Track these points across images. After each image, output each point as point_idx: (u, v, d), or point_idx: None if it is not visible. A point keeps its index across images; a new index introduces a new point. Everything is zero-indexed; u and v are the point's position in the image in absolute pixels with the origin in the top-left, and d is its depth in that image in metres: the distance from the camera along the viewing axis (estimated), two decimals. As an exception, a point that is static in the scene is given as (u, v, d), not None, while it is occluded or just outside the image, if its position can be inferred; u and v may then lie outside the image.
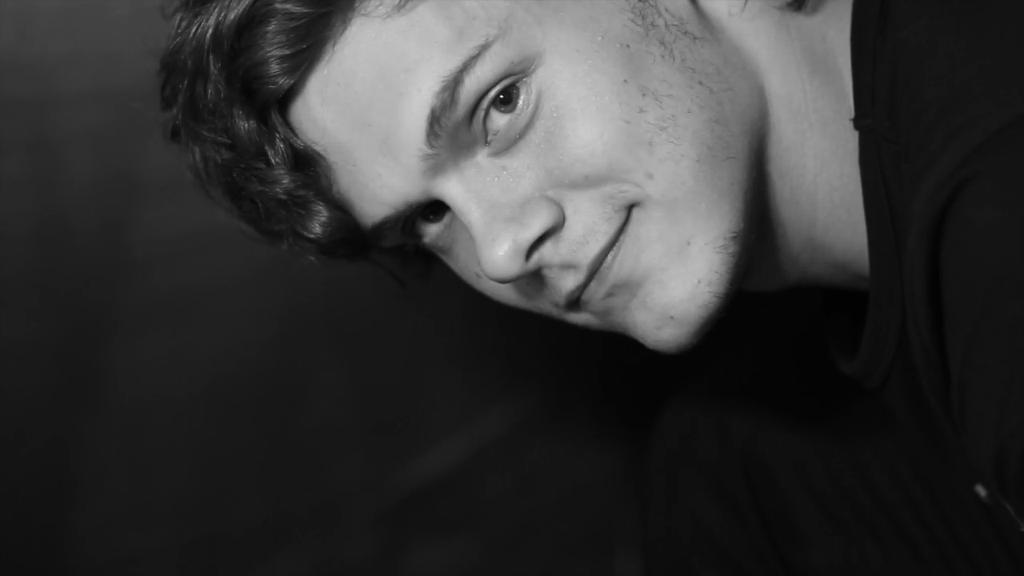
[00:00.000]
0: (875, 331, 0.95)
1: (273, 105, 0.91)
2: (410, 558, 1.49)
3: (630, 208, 0.91)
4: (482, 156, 0.91)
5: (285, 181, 0.92)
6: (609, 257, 0.92)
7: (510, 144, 0.91)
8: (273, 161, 0.92)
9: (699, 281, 0.91)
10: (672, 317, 0.92)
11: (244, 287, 1.41)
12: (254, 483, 1.46)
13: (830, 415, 1.20)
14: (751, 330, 1.31)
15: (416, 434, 1.50)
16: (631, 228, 0.91)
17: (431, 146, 0.89)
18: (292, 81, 0.90)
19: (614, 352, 1.52)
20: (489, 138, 0.91)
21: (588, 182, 0.90)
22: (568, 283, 0.93)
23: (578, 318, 0.97)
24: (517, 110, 0.90)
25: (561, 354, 1.51)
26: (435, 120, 0.89)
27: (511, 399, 1.50)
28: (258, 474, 1.46)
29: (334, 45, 0.89)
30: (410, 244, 0.98)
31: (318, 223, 0.93)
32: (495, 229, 0.90)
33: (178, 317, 1.40)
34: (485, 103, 0.90)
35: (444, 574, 1.50)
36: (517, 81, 0.90)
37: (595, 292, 0.93)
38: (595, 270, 0.92)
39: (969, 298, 0.80)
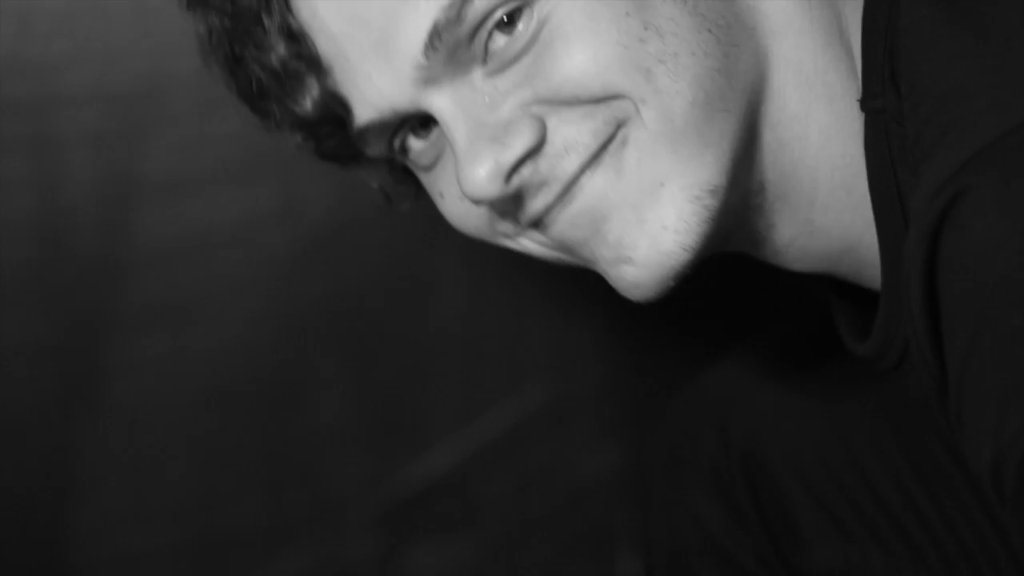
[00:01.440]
0: (888, 311, 0.95)
1: None
2: (410, 558, 1.49)
3: (618, 127, 0.90)
4: (478, 75, 0.91)
5: (280, 49, 0.91)
6: (585, 176, 0.91)
7: (505, 66, 0.90)
8: (269, 30, 0.91)
9: (665, 227, 0.90)
10: (631, 258, 0.91)
11: (244, 287, 1.41)
12: (254, 483, 1.46)
13: (832, 417, 1.20)
14: (752, 330, 1.31)
15: (416, 434, 1.50)
16: (614, 147, 0.90)
17: (427, 58, 0.89)
18: None
19: (616, 353, 1.52)
20: (487, 58, 0.90)
21: (578, 101, 0.90)
22: (538, 203, 0.92)
23: (533, 246, 0.96)
24: (516, 33, 0.89)
25: (562, 354, 1.51)
26: (436, 34, 0.88)
27: (511, 399, 1.50)
28: (258, 474, 1.46)
29: None
30: (398, 159, 0.97)
31: (309, 98, 0.91)
32: (477, 147, 0.90)
33: (178, 317, 1.40)
34: (490, 23, 0.89)
35: (444, 574, 1.50)
36: (523, 5, 0.89)
37: (558, 214, 0.92)
38: (568, 186, 0.91)
39: (968, 306, 0.79)
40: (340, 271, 1.44)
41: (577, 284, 1.37)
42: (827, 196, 0.95)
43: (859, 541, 1.17)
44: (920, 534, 1.15)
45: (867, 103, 0.91)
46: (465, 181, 0.90)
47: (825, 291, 1.06)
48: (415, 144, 0.95)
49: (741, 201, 0.94)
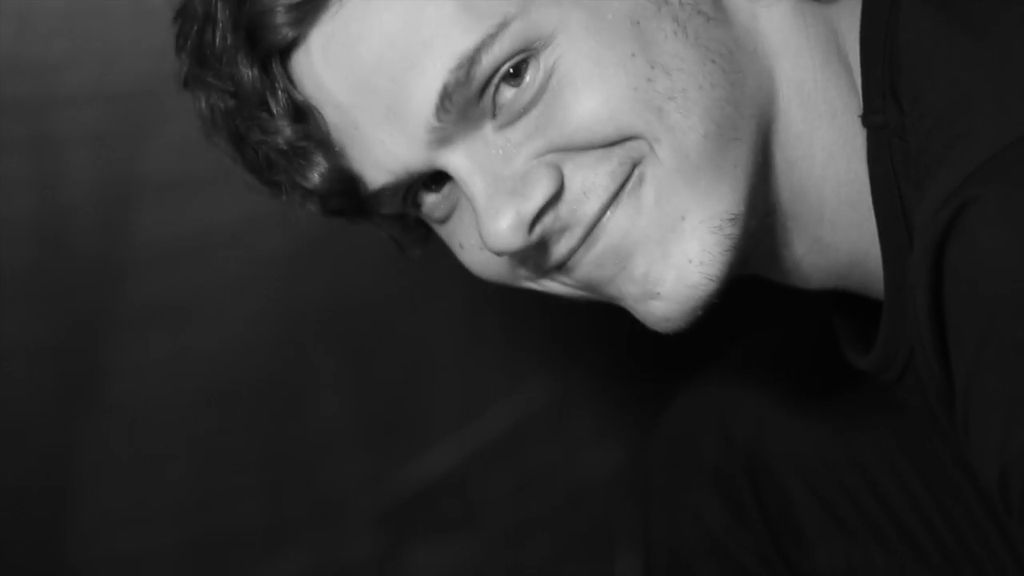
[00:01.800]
0: (891, 324, 0.95)
1: (275, 55, 0.91)
2: (410, 558, 1.50)
3: (634, 166, 0.90)
4: (489, 129, 0.91)
5: (287, 131, 0.91)
6: (606, 216, 0.91)
7: (515, 118, 0.90)
8: (275, 111, 0.91)
9: (690, 260, 0.90)
10: (659, 293, 0.91)
11: (244, 287, 1.41)
12: (254, 483, 1.46)
13: (834, 416, 1.20)
14: (754, 331, 1.31)
15: (416, 434, 1.50)
16: (631, 186, 0.90)
17: (439, 120, 0.89)
18: (295, 33, 0.89)
19: (616, 352, 1.52)
20: (496, 112, 0.90)
21: (592, 146, 0.90)
22: (562, 248, 0.92)
23: (557, 287, 0.96)
24: (524, 85, 0.89)
25: (562, 354, 1.52)
26: (447, 95, 0.88)
27: (512, 399, 1.50)
28: (258, 474, 1.46)
29: (341, 1, 0.89)
30: (411, 214, 0.97)
31: (317, 173, 0.92)
32: (497, 201, 0.90)
33: (178, 317, 1.40)
34: (496, 78, 0.89)
35: (444, 574, 1.50)
36: (529, 57, 0.89)
37: (583, 256, 0.92)
38: (591, 229, 0.91)
39: (973, 318, 0.80)
40: (340, 271, 1.44)
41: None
42: (833, 213, 0.95)
43: (861, 541, 1.17)
44: (923, 534, 1.15)
45: (868, 118, 0.92)
46: (488, 236, 0.90)
47: (827, 304, 1.06)
48: (428, 198, 0.95)
49: (757, 224, 0.94)
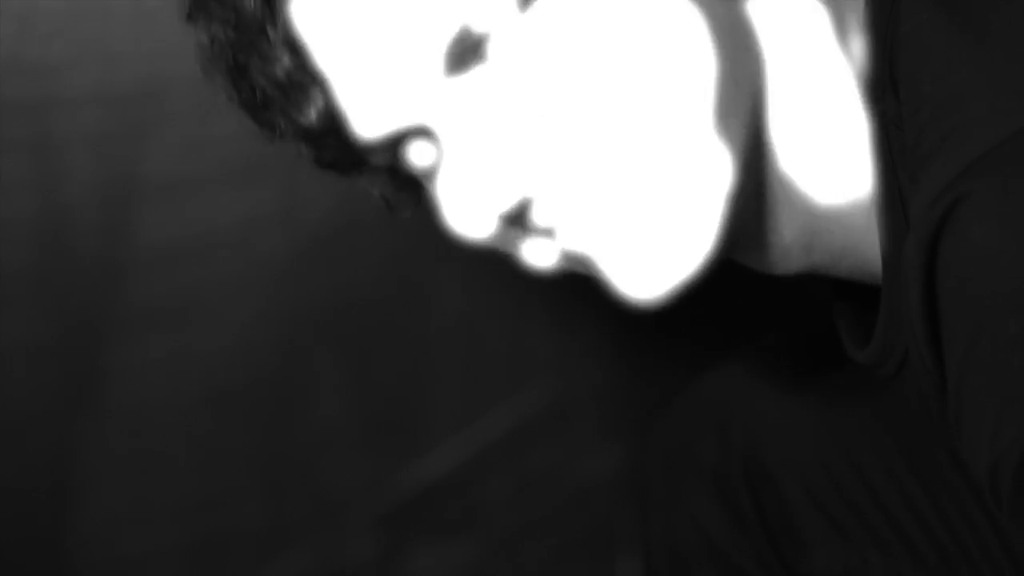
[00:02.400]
0: (889, 316, 0.95)
1: None
2: (410, 558, 1.50)
3: None
4: None
5: (285, 60, 0.91)
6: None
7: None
8: (274, 41, 0.91)
9: (676, 234, 0.90)
10: (643, 266, 0.91)
11: (244, 288, 1.42)
12: (254, 483, 1.46)
13: (832, 419, 1.20)
14: (754, 333, 1.31)
15: (417, 435, 1.50)
16: None
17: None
18: None
19: (617, 353, 1.52)
20: None
21: None
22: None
23: (539, 254, 0.96)
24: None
25: (562, 355, 1.52)
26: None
27: (513, 400, 1.50)
28: (258, 474, 1.47)
29: None
30: (403, 168, 0.97)
31: (314, 110, 0.92)
32: None
33: (178, 318, 1.40)
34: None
35: (444, 575, 1.50)
36: None
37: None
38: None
39: (966, 314, 0.80)
40: (340, 272, 1.45)
41: (578, 285, 1.37)
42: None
43: (859, 544, 1.17)
44: (920, 536, 1.15)
45: (868, 107, 0.92)
46: None
47: (828, 295, 1.06)
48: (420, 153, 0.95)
49: (745, 204, 0.94)
